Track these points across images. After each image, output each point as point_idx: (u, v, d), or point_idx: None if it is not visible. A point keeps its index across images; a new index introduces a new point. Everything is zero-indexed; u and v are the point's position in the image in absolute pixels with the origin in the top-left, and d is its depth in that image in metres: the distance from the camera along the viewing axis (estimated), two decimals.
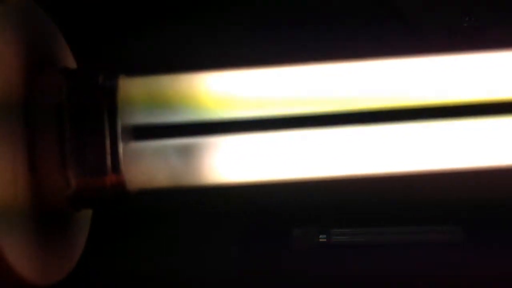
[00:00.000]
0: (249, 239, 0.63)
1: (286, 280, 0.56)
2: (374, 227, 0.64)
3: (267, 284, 0.56)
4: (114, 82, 0.22)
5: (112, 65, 0.25)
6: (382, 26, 0.58)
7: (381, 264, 0.59)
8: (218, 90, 0.24)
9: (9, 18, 0.18)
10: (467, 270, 0.57)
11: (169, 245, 0.49)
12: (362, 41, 0.57)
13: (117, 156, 0.21)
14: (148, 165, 0.23)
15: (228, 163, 0.25)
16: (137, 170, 0.23)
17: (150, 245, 0.46)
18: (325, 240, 0.61)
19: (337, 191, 0.74)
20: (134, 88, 0.23)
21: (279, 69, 0.26)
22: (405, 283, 0.56)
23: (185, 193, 0.27)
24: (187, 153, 0.23)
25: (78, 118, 0.20)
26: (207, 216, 0.56)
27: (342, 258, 0.60)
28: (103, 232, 0.35)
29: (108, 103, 0.21)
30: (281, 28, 0.56)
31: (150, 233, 0.46)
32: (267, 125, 0.26)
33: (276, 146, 0.26)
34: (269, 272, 0.58)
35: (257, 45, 0.52)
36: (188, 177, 0.24)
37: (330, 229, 0.63)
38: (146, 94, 0.23)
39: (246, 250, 0.61)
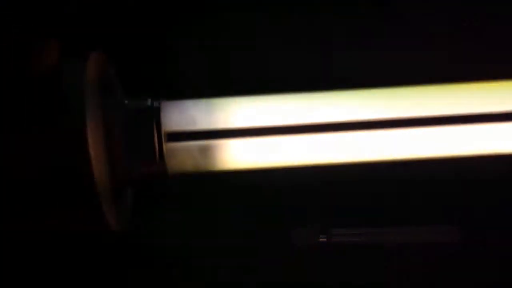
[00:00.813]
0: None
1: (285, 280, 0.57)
2: (374, 227, 0.64)
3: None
4: (158, 104, 0.33)
5: (157, 91, 0.36)
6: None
7: (381, 264, 0.59)
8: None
9: (92, 67, 0.30)
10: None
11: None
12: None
13: (162, 152, 0.32)
14: (181, 158, 0.35)
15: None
16: (174, 161, 0.35)
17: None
18: (325, 240, 0.62)
19: (337, 191, 0.74)
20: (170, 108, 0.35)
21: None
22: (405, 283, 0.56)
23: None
24: (206, 150, 0.34)
25: (136, 126, 0.31)
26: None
27: (342, 258, 0.60)
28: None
29: (155, 118, 0.32)
30: None
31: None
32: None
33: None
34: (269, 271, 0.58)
35: None
36: (206, 165, 0.36)
37: (330, 229, 0.63)
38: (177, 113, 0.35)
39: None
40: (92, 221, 0.32)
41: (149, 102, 0.34)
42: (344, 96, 0.37)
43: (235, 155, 0.35)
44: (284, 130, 0.30)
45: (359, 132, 0.33)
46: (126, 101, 0.34)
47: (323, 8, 0.58)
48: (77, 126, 0.26)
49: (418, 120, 0.33)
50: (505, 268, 0.57)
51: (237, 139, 0.29)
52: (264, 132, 0.29)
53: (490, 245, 0.59)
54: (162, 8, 0.54)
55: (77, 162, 0.26)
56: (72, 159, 0.26)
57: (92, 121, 0.28)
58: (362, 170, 0.63)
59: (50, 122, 0.25)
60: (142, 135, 0.31)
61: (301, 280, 0.57)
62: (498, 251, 0.59)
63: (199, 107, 0.32)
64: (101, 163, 0.32)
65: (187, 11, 0.55)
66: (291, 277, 0.58)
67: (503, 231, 0.59)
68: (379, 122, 0.34)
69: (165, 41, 0.53)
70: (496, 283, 0.56)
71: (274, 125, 0.28)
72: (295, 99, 0.35)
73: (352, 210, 0.69)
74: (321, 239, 0.61)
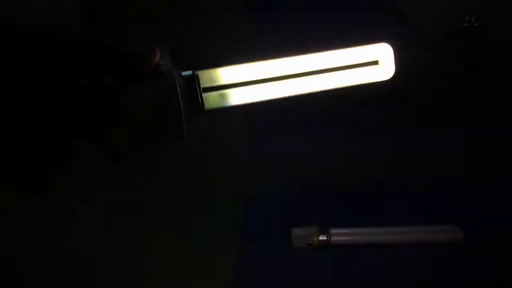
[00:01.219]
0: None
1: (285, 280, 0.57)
2: (374, 227, 0.64)
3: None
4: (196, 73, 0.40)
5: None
6: None
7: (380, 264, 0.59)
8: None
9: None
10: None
11: None
12: None
13: (202, 97, 0.40)
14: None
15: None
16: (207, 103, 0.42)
17: None
18: (325, 240, 0.61)
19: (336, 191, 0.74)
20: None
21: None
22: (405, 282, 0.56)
23: None
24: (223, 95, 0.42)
25: (188, 85, 0.39)
26: None
27: (342, 258, 0.60)
28: None
29: (197, 80, 0.40)
30: None
31: None
32: None
33: None
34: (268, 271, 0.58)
35: None
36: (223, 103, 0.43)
37: (330, 229, 0.63)
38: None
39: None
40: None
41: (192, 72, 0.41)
42: None
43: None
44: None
45: None
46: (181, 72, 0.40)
47: None
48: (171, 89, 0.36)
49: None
50: None
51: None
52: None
53: None
54: None
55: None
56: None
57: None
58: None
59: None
60: (192, 89, 0.39)
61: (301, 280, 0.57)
62: None
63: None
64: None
65: None
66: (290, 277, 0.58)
67: None
68: None
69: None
70: None
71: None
72: None
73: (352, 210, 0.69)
74: (321, 239, 0.61)
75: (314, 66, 0.41)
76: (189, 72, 0.38)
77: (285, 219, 0.66)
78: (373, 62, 0.43)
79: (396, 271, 0.57)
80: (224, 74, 0.40)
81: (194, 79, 0.38)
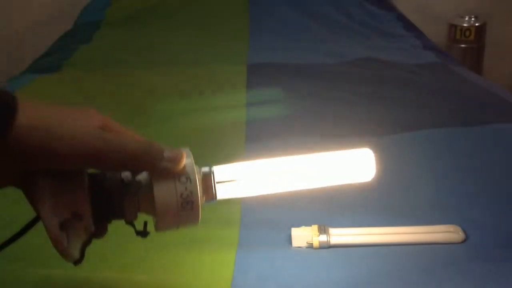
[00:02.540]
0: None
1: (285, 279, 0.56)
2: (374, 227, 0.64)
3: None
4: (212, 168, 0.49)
5: None
6: None
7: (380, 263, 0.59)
8: None
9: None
10: None
11: None
12: None
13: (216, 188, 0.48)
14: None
15: None
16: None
17: None
18: (325, 240, 0.61)
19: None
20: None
21: None
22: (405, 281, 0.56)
23: None
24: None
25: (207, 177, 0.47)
26: None
27: (341, 258, 0.60)
28: None
29: (213, 175, 0.48)
30: None
31: None
32: None
33: None
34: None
35: None
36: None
37: (330, 229, 0.63)
38: None
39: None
40: None
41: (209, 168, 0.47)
42: None
43: None
44: None
45: None
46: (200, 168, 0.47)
47: None
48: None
49: None
50: None
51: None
52: None
53: None
54: None
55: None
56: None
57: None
58: None
59: None
60: (208, 182, 0.46)
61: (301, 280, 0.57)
62: None
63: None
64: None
65: None
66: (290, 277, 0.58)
67: None
68: None
69: None
70: None
71: None
72: None
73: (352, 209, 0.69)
74: (320, 239, 0.61)
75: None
76: (207, 168, 0.47)
77: (285, 219, 0.66)
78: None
79: (396, 271, 0.57)
80: (236, 169, 0.47)
81: (211, 174, 0.46)
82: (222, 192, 0.47)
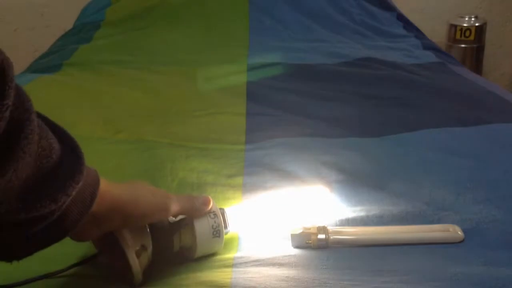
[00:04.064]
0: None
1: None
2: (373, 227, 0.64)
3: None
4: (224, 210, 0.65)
5: None
6: None
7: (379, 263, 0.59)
8: None
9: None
10: None
11: None
12: None
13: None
14: None
15: None
16: None
17: None
18: (324, 239, 0.61)
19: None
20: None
21: None
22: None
23: None
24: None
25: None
26: None
27: (341, 258, 0.60)
28: None
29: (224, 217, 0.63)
30: None
31: None
32: None
33: None
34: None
35: None
36: None
37: (329, 228, 0.63)
38: None
39: None
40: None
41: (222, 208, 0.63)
42: None
43: None
44: None
45: None
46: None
47: None
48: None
49: None
50: None
51: None
52: None
53: None
54: None
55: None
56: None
57: None
58: None
59: None
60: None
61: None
62: None
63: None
64: None
65: None
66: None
67: None
68: None
69: None
70: None
71: None
72: None
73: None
74: (319, 239, 0.61)
75: None
76: (221, 208, 0.62)
77: (285, 219, 0.66)
78: None
79: (396, 271, 0.57)
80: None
81: (224, 211, 0.61)
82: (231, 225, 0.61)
